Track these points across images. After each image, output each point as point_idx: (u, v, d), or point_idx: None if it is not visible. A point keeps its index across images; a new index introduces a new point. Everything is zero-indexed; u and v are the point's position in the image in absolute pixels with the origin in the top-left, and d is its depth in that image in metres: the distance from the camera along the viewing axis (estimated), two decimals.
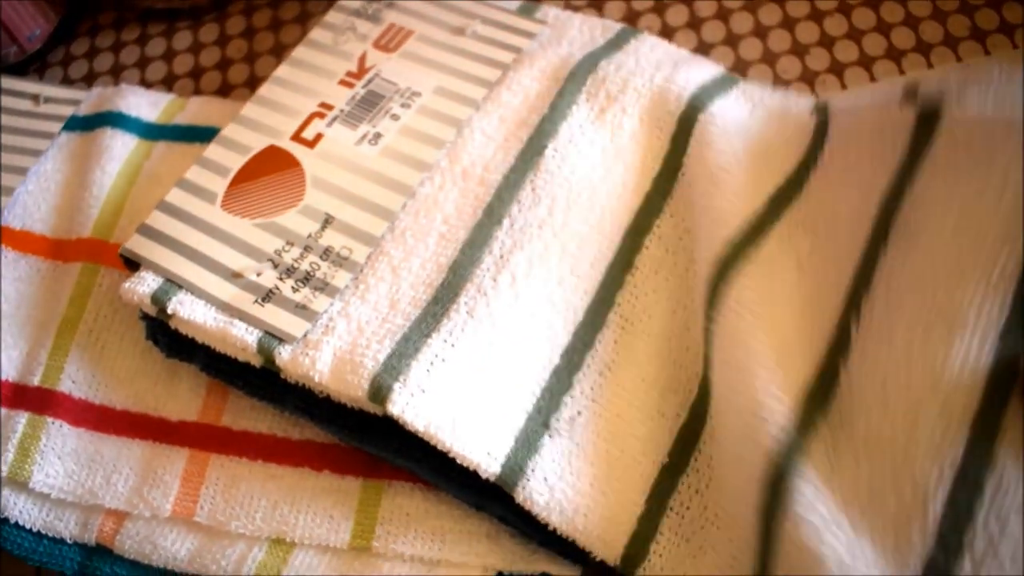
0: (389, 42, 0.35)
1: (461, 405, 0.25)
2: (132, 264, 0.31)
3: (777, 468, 0.22)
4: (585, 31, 0.34)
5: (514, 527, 0.27)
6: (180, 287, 0.29)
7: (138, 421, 0.31)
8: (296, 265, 0.29)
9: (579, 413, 0.27)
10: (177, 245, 0.30)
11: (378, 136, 0.32)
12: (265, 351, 0.27)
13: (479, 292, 0.27)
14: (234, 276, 0.29)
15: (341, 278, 0.29)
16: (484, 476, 0.25)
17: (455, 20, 0.35)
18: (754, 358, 0.23)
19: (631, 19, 0.37)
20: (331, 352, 0.27)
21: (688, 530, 0.25)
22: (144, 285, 0.29)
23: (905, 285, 0.23)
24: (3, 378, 0.31)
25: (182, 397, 0.32)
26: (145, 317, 0.30)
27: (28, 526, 0.30)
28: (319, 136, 0.32)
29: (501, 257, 0.28)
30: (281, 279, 0.29)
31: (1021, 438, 0.20)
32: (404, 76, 0.34)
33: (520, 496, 0.25)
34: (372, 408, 0.26)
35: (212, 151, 0.33)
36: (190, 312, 0.28)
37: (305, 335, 0.28)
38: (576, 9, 0.37)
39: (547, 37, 0.34)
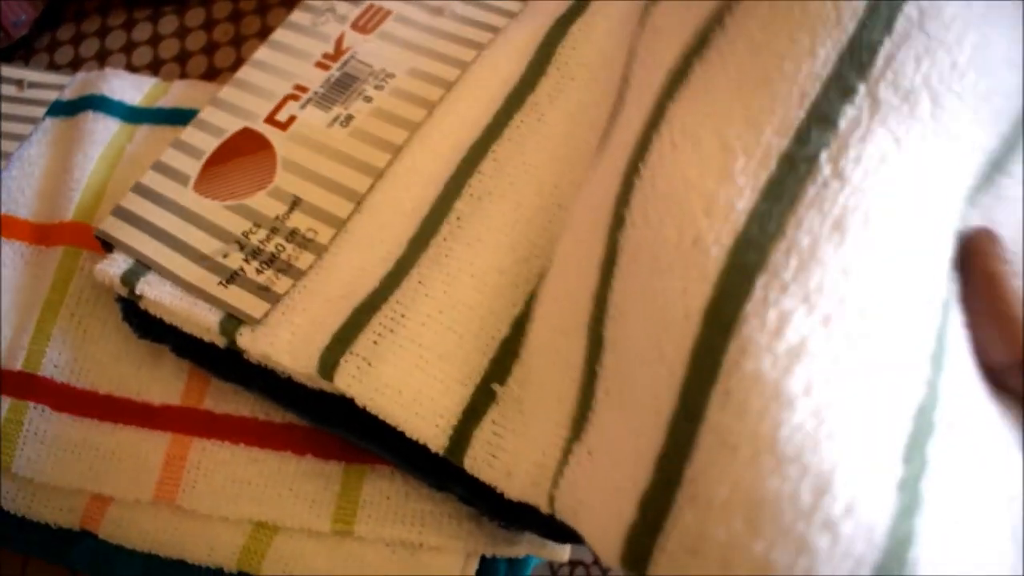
0: (367, 23, 0.35)
1: (408, 376, 0.25)
2: (108, 246, 0.31)
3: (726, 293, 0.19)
4: None
5: (478, 508, 0.27)
6: (149, 268, 0.29)
7: (121, 405, 0.31)
8: (262, 247, 0.29)
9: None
10: (149, 227, 0.30)
11: (349, 118, 0.32)
12: (228, 331, 0.28)
13: (433, 263, 0.27)
14: (202, 258, 0.29)
15: (305, 260, 0.29)
16: (434, 450, 0.25)
17: (434, 0, 0.35)
18: (691, 186, 0.21)
19: None
20: (289, 331, 0.27)
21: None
22: (115, 266, 0.30)
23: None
24: None
25: (165, 381, 0.32)
26: (120, 298, 0.31)
27: (11, 511, 0.30)
28: (292, 118, 0.32)
29: (459, 227, 0.28)
30: (246, 261, 0.29)
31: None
32: (379, 57, 0.34)
33: (468, 466, 0.24)
34: (325, 385, 0.26)
35: (188, 134, 0.33)
36: (157, 293, 0.29)
37: (266, 316, 0.28)
38: None
39: (525, 14, 0.34)
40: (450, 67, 0.33)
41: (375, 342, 0.25)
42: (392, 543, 0.28)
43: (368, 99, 0.32)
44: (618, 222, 0.22)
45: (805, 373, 0.17)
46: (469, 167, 0.29)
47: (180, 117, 0.36)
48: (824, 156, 0.19)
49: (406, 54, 0.33)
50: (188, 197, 0.31)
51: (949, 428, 0.18)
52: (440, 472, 0.26)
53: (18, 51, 0.42)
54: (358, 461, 0.29)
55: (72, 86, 0.38)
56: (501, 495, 0.25)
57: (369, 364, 0.25)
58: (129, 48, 0.41)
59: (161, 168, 0.32)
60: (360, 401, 0.25)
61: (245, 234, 0.30)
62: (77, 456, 0.30)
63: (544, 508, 0.23)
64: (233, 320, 0.28)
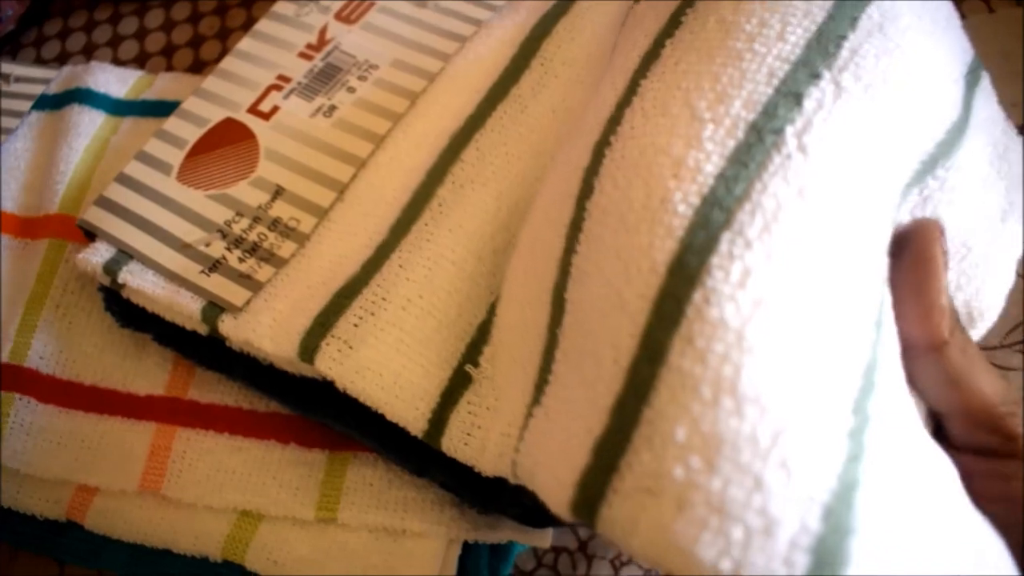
0: (351, 14, 0.35)
1: (388, 359, 0.25)
2: (92, 236, 0.31)
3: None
4: None
5: (458, 493, 0.27)
6: (132, 257, 0.29)
7: (106, 396, 0.32)
8: (244, 236, 0.29)
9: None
10: (132, 216, 0.30)
11: (333, 108, 0.32)
12: (209, 319, 0.28)
13: (414, 247, 0.27)
14: (184, 247, 0.29)
15: (287, 248, 0.29)
16: (413, 433, 0.25)
17: None
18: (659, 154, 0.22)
19: None
20: (271, 317, 0.27)
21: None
22: (97, 255, 0.30)
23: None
24: None
25: (149, 371, 0.32)
26: (102, 288, 0.31)
27: None
28: (275, 108, 0.32)
29: (441, 213, 0.28)
30: (229, 249, 0.29)
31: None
32: (363, 48, 0.34)
33: (446, 448, 0.25)
34: (307, 370, 0.26)
35: (171, 124, 0.33)
36: (140, 281, 0.29)
37: (247, 303, 0.28)
38: None
39: (508, 8, 0.34)
40: (433, 59, 0.33)
41: (356, 325, 0.26)
42: (375, 530, 0.29)
43: (351, 90, 0.32)
44: (587, 190, 0.22)
45: (767, 322, 0.17)
46: (452, 155, 0.29)
47: (165, 109, 0.36)
48: (790, 130, 0.20)
49: (389, 45, 0.34)
50: (171, 187, 0.31)
51: (884, 389, 0.19)
52: (421, 457, 0.26)
53: (5, 46, 0.42)
54: (341, 449, 0.30)
55: (58, 80, 0.38)
56: (479, 479, 0.25)
57: (350, 347, 0.25)
58: (115, 42, 0.41)
59: (144, 158, 0.32)
60: (340, 384, 0.25)
61: (228, 223, 0.30)
62: (63, 447, 0.30)
63: (510, 478, 0.23)
64: (215, 308, 0.28)
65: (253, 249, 0.29)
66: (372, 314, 0.26)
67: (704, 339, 0.17)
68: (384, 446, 0.27)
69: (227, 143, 0.32)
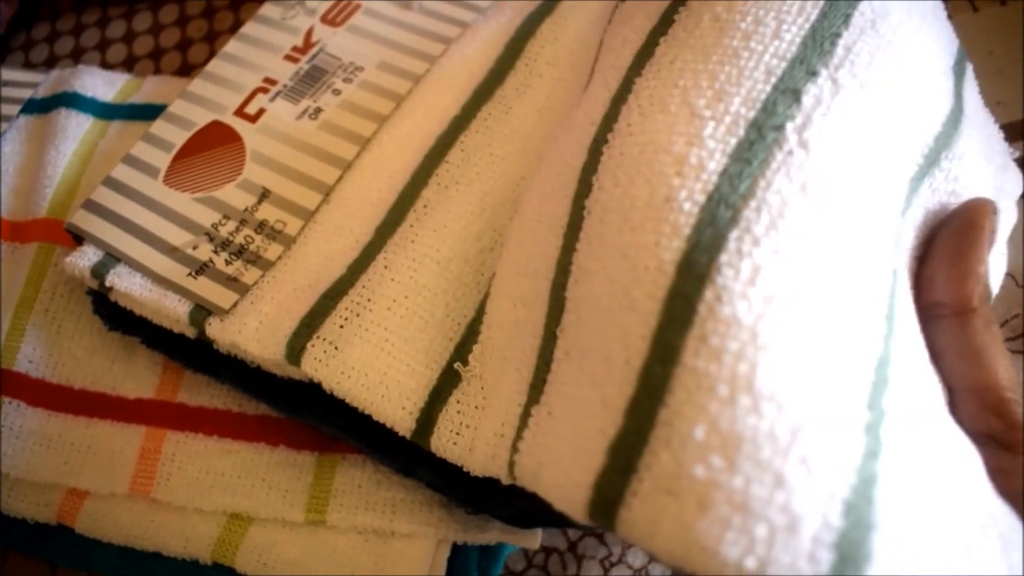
0: (336, 16, 0.35)
1: (374, 359, 0.25)
2: (79, 239, 0.31)
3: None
4: None
5: (445, 494, 0.27)
6: (119, 260, 0.29)
7: (96, 400, 0.32)
8: (231, 239, 0.29)
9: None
10: (119, 220, 0.30)
11: (318, 111, 0.32)
12: (197, 322, 0.28)
13: (399, 248, 0.27)
14: (171, 250, 0.29)
15: (273, 251, 0.29)
16: (401, 433, 0.25)
17: None
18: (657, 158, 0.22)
19: None
20: (257, 320, 0.27)
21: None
22: (85, 259, 0.30)
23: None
24: None
25: (139, 375, 0.32)
26: (90, 291, 0.31)
27: None
28: (261, 111, 0.32)
29: (426, 214, 0.28)
30: (216, 252, 0.29)
31: None
32: (349, 51, 0.34)
33: (434, 447, 0.25)
34: (294, 372, 0.26)
35: (158, 127, 0.33)
36: (127, 284, 0.29)
37: (235, 306, 0.28)
38: None
39: (493, 10, 0.34)
40: (419, 61, 0.33)
41: (341, 326, 0.26)
42: (364, 531, 0.29)
43: (337, 92, 0.33)
44: (585, 189, 0.22)
45: (779, 318, 0.18)
46: (437, 156, 0.29)
47: (152, 113, 0.36)
48: (790, 127, 0.20)
49: (375, 48, 0.34)
50: (158, 190, 0.31)
51: (899, 384, 0.19)
52: (407, 457, 0.26)
53: None
54: (330, 451, 0.30)
55: (46, 84, 0.38)
56: (467, 479, 0.25)
57: (335, 348, 0.25)
58: (103, 45, 0.41)
59: (131, 161, 0.32)
60: (327, 385, 0.25)
61: (214, 226, 0.30)
62: (52, 451, 0.30)
63: (504, 479, 0.23)
64: (202, 311, 0.28)
65: (240, 252, 0.29)
66: (357, 315, 0.26)
67: (718, 337, 0.17)
68: (371, 446, 0.27)
69: (214, 146, 0.32)
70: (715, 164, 0.20)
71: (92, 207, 0.31)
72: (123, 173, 0.32)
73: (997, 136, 0.28)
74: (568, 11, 0.32)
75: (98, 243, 0.30)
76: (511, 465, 0.22)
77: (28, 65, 0.42)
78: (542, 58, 0.31)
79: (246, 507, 0.29)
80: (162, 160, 0.32)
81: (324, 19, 0.35)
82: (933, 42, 0.24)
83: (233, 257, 0.29)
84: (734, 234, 0.18)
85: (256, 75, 0.34)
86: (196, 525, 0.29)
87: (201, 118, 0.33)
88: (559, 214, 0.23)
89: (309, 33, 0.35)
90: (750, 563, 0.16)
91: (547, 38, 0.31)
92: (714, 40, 0.22)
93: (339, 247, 0.28)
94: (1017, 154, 0.29)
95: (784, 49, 0.21)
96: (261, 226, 0.30)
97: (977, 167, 0.26)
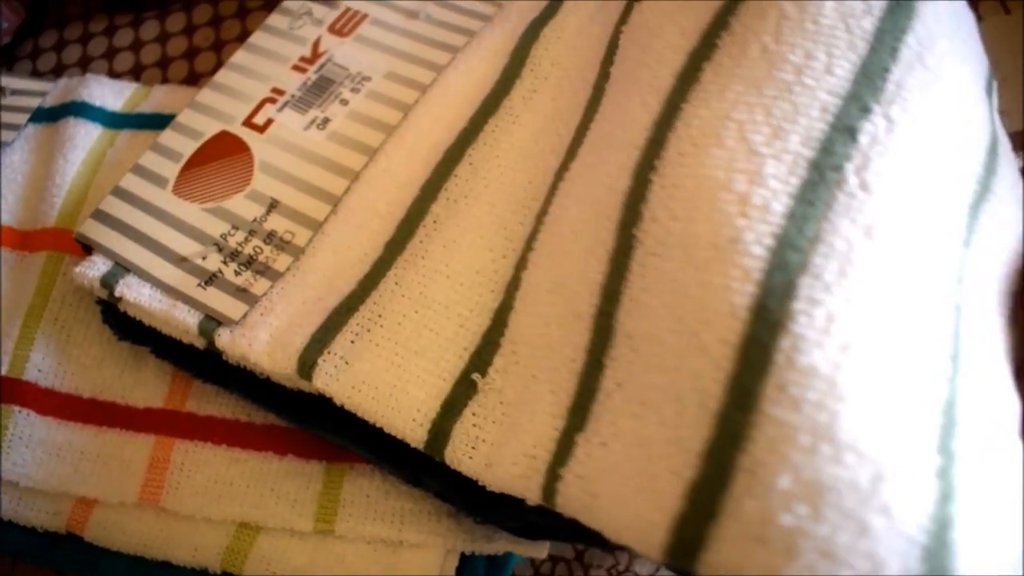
0: (344, 26, 0.35)
1: (384, 373, 0.25)
2: (88, 249, 0.31)
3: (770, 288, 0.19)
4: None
5: (454, 504, 0.27)
6: (128, 270, 0.30)
7: (105, 409, 0.32)
8: (240, 249, 0.29)
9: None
10: (128, 229, 0.31)
11: (326, 121, 0.32)
12: (206, 333, 0.28)
13: (409, 264, 0.27)
14: (180, 260, 0.30)
15: (282, 262, 0.29)
16: (413, 444, 0.25)
17: (409, 3, 0.35)
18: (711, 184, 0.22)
19: None
20: (268, 333, 0.27)
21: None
22: (94, 269, 0.30)
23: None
24: None
25: (148, 384, 0.32)
26: (100, 301, 0.31)
27: None
28: (269, 121, 0.33)
29: (435, 229, 0.28)
30: (225, 263, 0.29)
31: None
32: (356, 61, 0.34)
33: (448, 459, 0.25)
34: (304, 385, 0.26)
35: (166, 137, 0.33)
36: (136, 295, 0.29)
37: (244, 317, 0.28)
38: None
39: (499, 18, 0.34)
40: (425, 70, 0.33)
41: (352, 341, 0.26)
42: (373, 541, 0.29)
43: (344, 102, 0.33)
44: (632, 217, 0.22)
45: (855, 367, 0.18)
46: (445, 171, 0.29)
47: (160, 122, 0.36)
48: (849, 167, 0.20)
49: (382, 57, 0.34)
50: (167, 200, 0.31)
51: (967, 424, 0.19)
52: (415, 467, 0.26)
53: (1, 58, 0.42)
54: (339, 460, 0.30)
55: (54, 92, 0.38)
56: (477, 490, 0.25)
57: (346, 363, 0.25)
58: (111, 54, 0.42)
59: (140, 171, 0.32)
60: (338, 400, 0.25)
61: (223, 236, 0.30)
62: (62, 459, 0.30)
63: (534, 500, 0.23)
64: (212, 321, 0.28)
65: (249, 262, 0.29)
66: (368, 330, 0.26)
67: (797, 387, 0.18)
68: (380, 457, 0.27)
69: (222, 156, 0.32)
70: (780, 205, 0.20)
71: (101, 217, 0.31)
72: (132, 183, 0.32)
73: (1007, 143, 0.28)
74: (569, 11, 0.32)
75: (107, 253, 0.30)
76: (548, 489, 0.22)
77: (35, 74, 0.42)
78: (547, 59, 0.31)
79: (255, 516, 0.29)
80: (171, 170, 0.32)
81: (331, 29, 0.35)
82: (972, 67, 0.24)
83: (242, 268, 0.29)
84: (805, 280, 0.18)
85: (264, 85, 0.34)
86: (205, 534, 0.29)
87: (209, 128, 0.33)
88: (603, 239, 0.23)
89: (316, 43, 0.35)
90: None
91: (550, 39, 0.32)
92: (765, 72, 0.22)
93: (348, 260, 0.29)
94: (1020, 164, 0.29)
95: (837, 85, 0.21)
96: (270, 237, 0.30)
97: (1013, 182, 0.26)
